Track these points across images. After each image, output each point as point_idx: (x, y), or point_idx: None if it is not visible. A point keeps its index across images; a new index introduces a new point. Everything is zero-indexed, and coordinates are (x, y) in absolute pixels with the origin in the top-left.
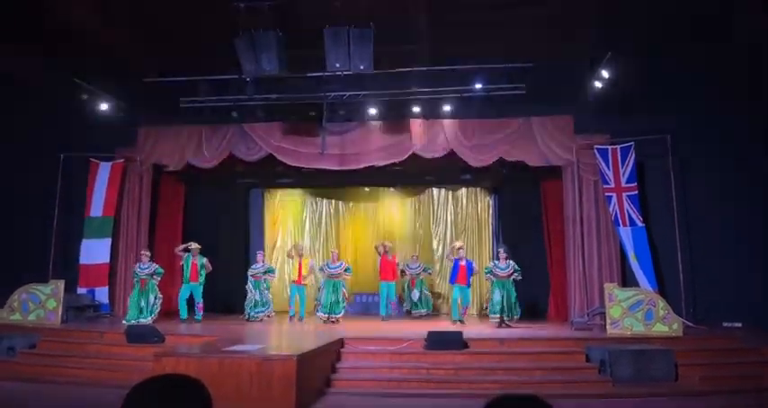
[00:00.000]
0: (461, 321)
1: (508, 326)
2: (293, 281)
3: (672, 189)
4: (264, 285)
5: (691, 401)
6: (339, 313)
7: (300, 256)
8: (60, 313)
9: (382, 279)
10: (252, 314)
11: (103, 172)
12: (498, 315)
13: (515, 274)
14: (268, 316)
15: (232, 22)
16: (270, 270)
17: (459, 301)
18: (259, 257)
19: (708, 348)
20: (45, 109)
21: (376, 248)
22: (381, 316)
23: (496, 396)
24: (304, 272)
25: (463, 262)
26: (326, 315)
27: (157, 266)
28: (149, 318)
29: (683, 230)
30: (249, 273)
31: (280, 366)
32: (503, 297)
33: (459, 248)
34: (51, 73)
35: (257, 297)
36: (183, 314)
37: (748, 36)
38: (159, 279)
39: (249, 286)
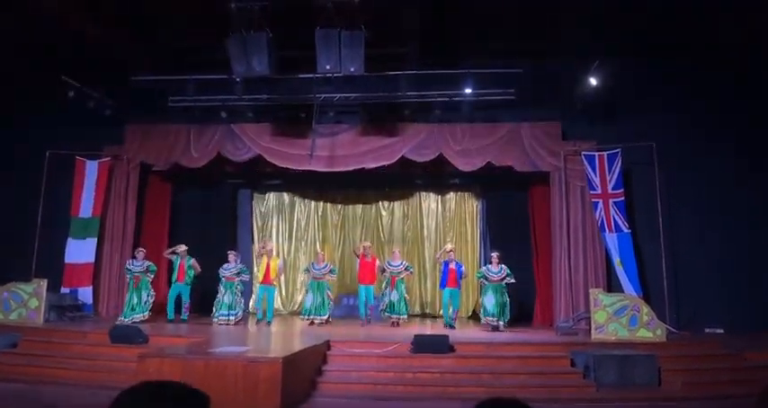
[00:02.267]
0: (452, 325)
1: (497, 329)
2: (261, 282)
3: (657, 196)
4: (239, 287)
5: (674, 406)
6: (325, 314)
7: (269, 257)
8: (42, 312)
9: (360, 282)
10: (217, 316)
11: (90, 171)
12: (490, 319)
13: (508, 278)
14: (228, 322)
15: (223, 22)
16: (243, 271)
17: (449, 304)
18: (231, 257)
19: (690, 353)
20: (31, 105)
21: (354, 252)
22: (360, 321)
23: (482, 400)
24: (272, 274)
25: (452, 265)
26: (312, 318)
27: (150, 263)
28: (143, 315)
29: (668, 237)
30: (221, 274)
31: (265, 368)
32: (495, 302)
33: (449, 251)
34: (38, 70)
35: (226, 300)
36: (171, 314)
37: (734, 44)
38: (153, 276)
39: (220, 287)
